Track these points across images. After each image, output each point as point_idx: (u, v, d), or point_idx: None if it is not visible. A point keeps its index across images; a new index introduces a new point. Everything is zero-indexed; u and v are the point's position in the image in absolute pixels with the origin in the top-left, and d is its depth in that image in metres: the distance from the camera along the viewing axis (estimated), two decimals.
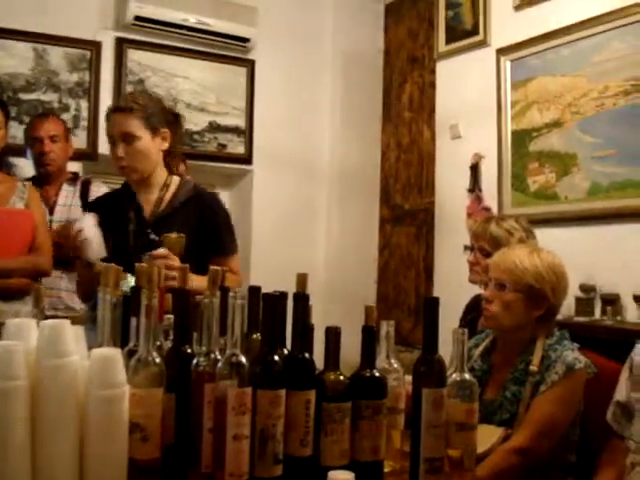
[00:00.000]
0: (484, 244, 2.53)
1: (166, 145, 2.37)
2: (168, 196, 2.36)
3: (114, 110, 2.35)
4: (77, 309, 3.13)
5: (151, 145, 2.32)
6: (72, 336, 1.17)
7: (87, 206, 2.69)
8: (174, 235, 2.15)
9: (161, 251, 2.09)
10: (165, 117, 2.38)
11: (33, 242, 2.77)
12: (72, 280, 3.14)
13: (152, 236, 2.16)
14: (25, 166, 3.40)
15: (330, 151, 4.97)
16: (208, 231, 2.31)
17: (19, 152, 3.41)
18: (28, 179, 3.28)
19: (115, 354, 1.18)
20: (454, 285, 3.01)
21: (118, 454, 1.17)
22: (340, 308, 4.15)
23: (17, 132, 3.69)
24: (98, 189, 3.36)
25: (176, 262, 2.05)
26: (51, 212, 3.23)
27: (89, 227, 2.17)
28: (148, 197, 2.37)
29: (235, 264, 2.36)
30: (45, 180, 3.27)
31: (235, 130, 4.69)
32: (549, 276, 1.98)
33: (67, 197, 3.29)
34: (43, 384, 1.13)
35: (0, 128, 2.78)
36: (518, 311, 1.98)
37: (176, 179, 2.42)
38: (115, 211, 2.37)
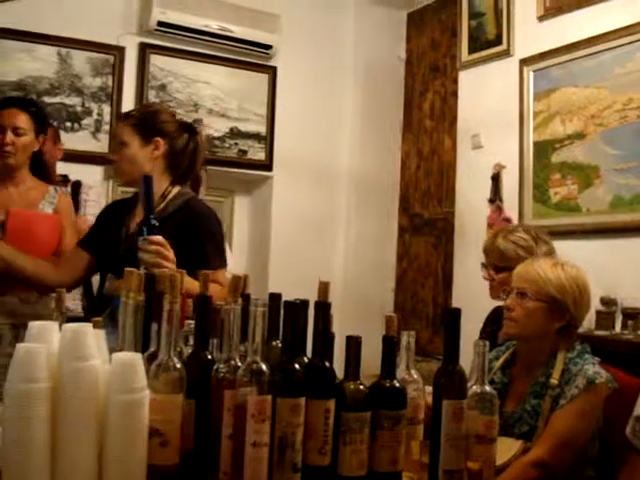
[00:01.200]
0: (494, 260, 2.53)
1: (158, 154, 2.36)
2: (162, 206, 2.36)
3: (118, 121, 2.46)
4: (71, 309, 3.14)
5: (139, 152, 2.34)
6: (94, 340, 1.18)
7: (101, 210, 2.71)
8: None
9: (158, 238, 2.07)
10: (163, 127, 2.39)
11: (58, 247, 2.78)
12: None
13: (153, 221, 2.13)
14: None
15: (350, 159, 4.97)
16: (191, 243, 2.28)
17: None
18: None
19: (136, 359, 1.18)
20: (473, 296, 2.99)
21: (137, 459, 1.17)
22: (357, 316, 4.15)
23: None
24: (88, 191, 3.37)
25: (171, 253, 2.05)
26: None
27: None
28: None
29: (221, 278, 2.28)
30: None
31: (256, 136, 4.70)
32: (572, 288, 1.97)
33: None
34: (64, 387, 1.14)
35: (26, 134, 2.77)
36: (539, 320, 1.97)
37: (175, 190, 2.41)
38: (117, 214, 2.45)
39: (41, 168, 2.96)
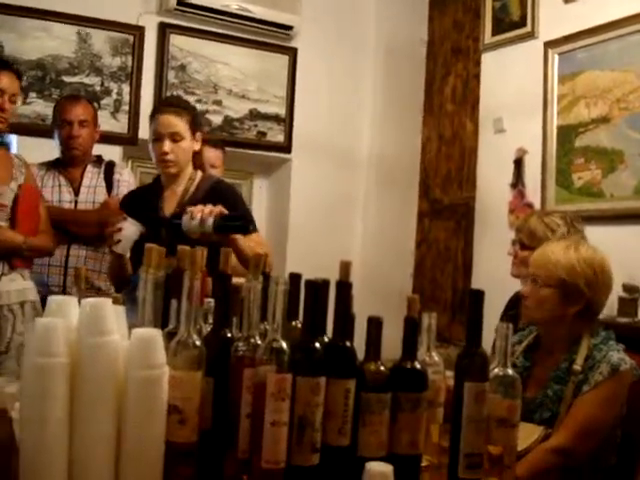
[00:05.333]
0: (523, 237, 2.53)
1: (198, 146, 2.65)
2: (192, 188, 2.62)
3: (166, 111, 2.58)
4: (102, 288, 3.15)
5: (190, 145, 2.60)
6: (113, 315, 1.16)
7: (122, 200, 2.85)
8: None
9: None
10: (201, 122, 2.76)
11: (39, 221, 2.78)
12: (97, 259, 3.19)
13: (176, 221, 2.36)
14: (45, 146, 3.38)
15: (370, 142, 4.93)
16: None
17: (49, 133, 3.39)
18: (53, 160, 3.30)
19: (156, 335, 1.17)
20: (494, 281, 2.95)
21: (155, 436, 1.16)
22: (375, 300, 4.11)
23: None
24: (122, 171, 3.37)
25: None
26: (76, 193, 3.24)
27: (127, 227, 2.41)
28: (176, 189, 2.63)
29: (257, 238, 2.51)
30: (70, 162, 3.28)
31: (275, 118, 4.67)
32: (583, 270, 1.93)
33: (92, 179, 3.29)
34: (83, 362, 1.12)
35: (17, 101, 2.74)
36: (552, 307, 1.95)
37: (199, 173, 2.67)
38: (144, 200, 2.66)
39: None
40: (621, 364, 1.86)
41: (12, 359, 2.61)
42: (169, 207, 2.61)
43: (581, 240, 2.09)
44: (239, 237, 2.29)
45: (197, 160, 2.72)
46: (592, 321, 1.99)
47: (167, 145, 2.54)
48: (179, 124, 2.55)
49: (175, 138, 2.55)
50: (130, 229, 2.41)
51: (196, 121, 2.64)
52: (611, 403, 1.86)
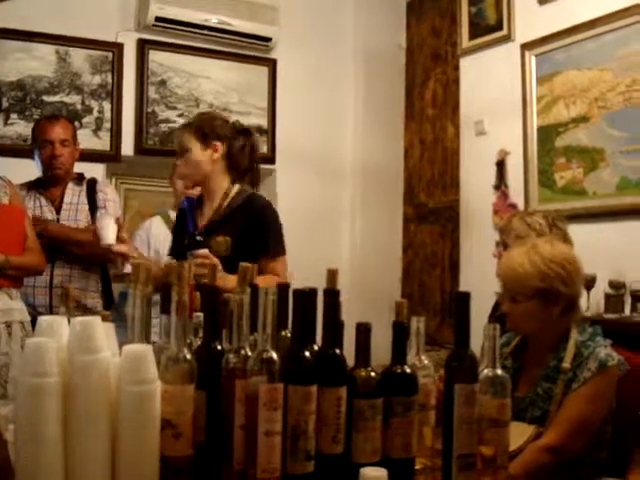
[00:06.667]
0: (506, 238, 2.55)
1: (217, 156, 2.60)
2: (226, 203, 2.62)
3: (176, 129, 2.78)
4: (89, 306, 3.14)
5: (200, 156, 2.59)
6: (103, 332, 1.17)
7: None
8: (220, 238, 2.45)
9: (202, 251, 2.32)
10: (219, 132, 2.62)
11: (26, 240, 2.77)
12: (83, 277, 3.18)
13: (198, 237, 2.46)
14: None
15: (353, 150, 4.95)
16: (255, 233, 2.53)
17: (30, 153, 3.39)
18: (33, 180, 3.30)
19: (146, 350, 1.17)
20: (481, 283, 2.98)
21: (150, 451, 1.16)
22: (365, 307, 4.14)
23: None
24: (105, 189, 3.36)
25: (214, 260, 2.22)
26: (58, 212, 3.24)
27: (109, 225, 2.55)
28: (211, 204, 2.65)
29: (279, 266, 2.54)
30: (51, 182, 3.27)
31: (258, 130, 4.67)
32: (553, 271, 1.93)
33: (73, 196, 3.28)
34: (75, 380, 1.13)
35: None
36: (537, 316, 1.95)
37: (236, 188, 2.65)
38: (188, 217, 2.71)
39: None
40: (608, 360, 1.87)
41: None
42: (202, 222, 2.66)
43: (536, 239, 2.09)
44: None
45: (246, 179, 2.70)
46: (575, 313, 2.00)
47: (179, 160, 2.65)
48: (182, 137, 2.63)
49: (182, 151, 2.62)
50: (107, 223, 2.55)
51: (205, 130, 2.60)
52: (600, 399, 1.88)
